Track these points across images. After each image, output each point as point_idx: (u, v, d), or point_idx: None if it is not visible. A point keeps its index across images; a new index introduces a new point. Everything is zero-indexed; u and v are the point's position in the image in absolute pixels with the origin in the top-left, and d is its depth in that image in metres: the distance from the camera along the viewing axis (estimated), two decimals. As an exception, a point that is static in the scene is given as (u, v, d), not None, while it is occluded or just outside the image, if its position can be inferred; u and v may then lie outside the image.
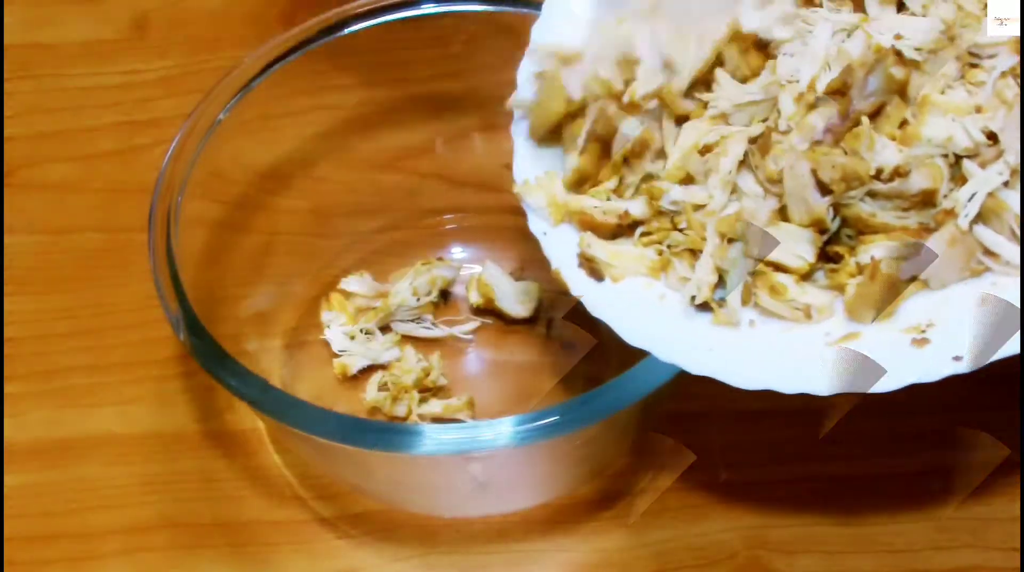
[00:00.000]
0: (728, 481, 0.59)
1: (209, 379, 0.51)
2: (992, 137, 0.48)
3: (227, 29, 0.78)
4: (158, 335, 0.63)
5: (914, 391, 0.61)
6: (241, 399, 0.51)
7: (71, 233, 0.70)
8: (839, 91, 0.50)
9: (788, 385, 0.47)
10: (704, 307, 0.50)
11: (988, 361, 0.46)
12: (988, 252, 0.48)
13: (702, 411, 0.61)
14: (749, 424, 0.61)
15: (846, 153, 0.49)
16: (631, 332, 0.50)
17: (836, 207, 0.49)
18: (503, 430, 0.48)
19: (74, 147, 0.73)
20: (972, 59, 0.50)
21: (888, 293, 0.48)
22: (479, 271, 0.64)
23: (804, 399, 0.61)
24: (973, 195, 0.48)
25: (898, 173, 0.48)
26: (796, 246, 0.49)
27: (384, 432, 0.50)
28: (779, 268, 0.50)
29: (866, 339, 0.48)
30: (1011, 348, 0.46)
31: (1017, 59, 0.49)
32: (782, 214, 0.50)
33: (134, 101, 0.75)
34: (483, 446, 0.48)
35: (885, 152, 0.49)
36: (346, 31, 0.61)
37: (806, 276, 0.50)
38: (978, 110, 0.49)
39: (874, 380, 0.47)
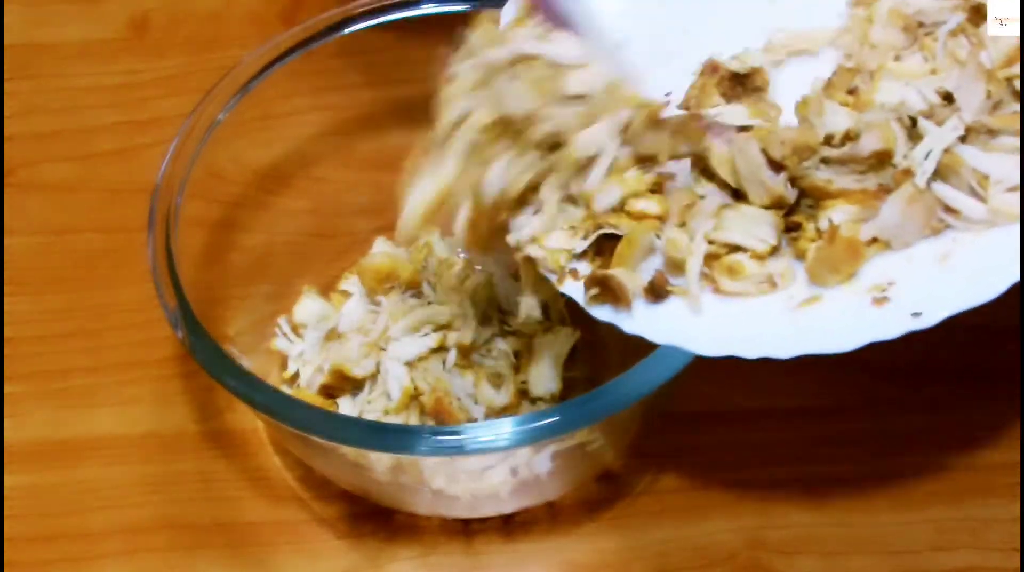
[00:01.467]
0: (728, 481, 0.59)
1: (209, 379, 0.51)
2: (948, 98, 0.48)
3: (227, 29, 0.78)
4: (158, 335, 0.63)
5: (915, 389, 0.62)
6: (241, 399, 0.51)
7: (71, 233, 0.70)
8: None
9: (750, 351, 0.47)
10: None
11: (946, 316, 0.45)
12: (948, 209, 0.47)
13: (702, 411, 0.61)
14: (749, 424, 0.61)
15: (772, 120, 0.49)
16: (597, 310, 0.49)
17: (792, 180, 0.49)
18: (503, 430, 0.48)
19: (74, 147, 0.73)
20: (925, 29, 0.50)
21: (847, 255, 0.47)
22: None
23: (803, 399, 0.61)
24: (929, 153, 0.47)
25: (848, 137, 0.48)
26: (757, 229, 0.49)
27: (384, 432, 0.50)
28: (739, 250, 0.49)
29: (827, 301, 0.48)
30: (968, 301, 0.45)
31: (964, 16, 0.49)
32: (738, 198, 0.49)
33: (134, 101, 0.75)
34: (483, 447, 0.48)
35: (836, 118, 0.48)
36: (346, 31, 0.61)
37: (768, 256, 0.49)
38: (933, 73, 0.49)
39: (832, 341, 0.46)
